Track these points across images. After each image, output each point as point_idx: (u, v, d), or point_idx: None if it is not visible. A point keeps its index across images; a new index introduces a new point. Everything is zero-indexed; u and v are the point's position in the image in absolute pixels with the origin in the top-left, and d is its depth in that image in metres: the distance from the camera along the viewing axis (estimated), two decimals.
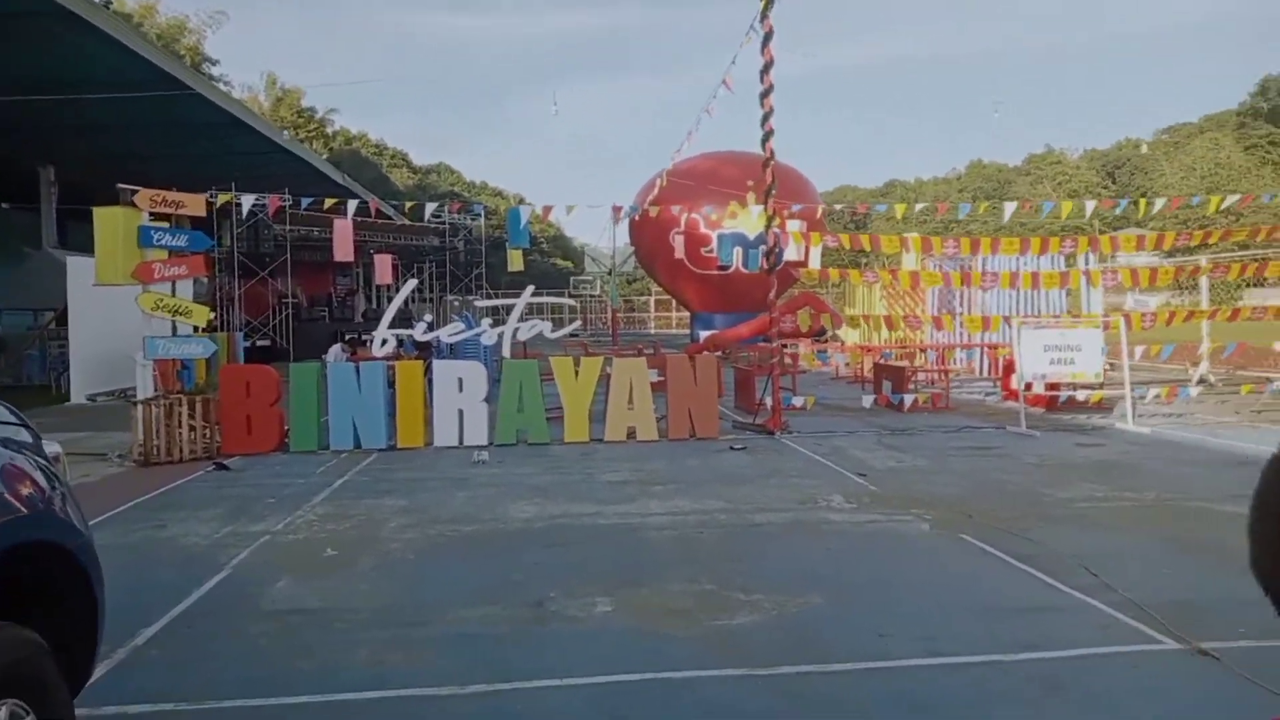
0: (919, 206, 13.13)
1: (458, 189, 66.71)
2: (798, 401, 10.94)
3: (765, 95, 10.33)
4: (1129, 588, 4.59)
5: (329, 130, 61.34)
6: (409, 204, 15.14)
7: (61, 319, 17.88)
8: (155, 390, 9.88)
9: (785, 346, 11.95)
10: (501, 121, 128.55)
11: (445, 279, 40.26)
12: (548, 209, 11.46)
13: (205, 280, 31.06)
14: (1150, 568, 5.07)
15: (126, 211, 9.18)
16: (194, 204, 9.56)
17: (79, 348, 16.51)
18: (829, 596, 4.59)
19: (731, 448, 9.64)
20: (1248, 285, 14.71)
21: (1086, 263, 17.53)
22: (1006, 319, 11.49)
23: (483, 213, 42.54)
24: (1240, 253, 12.98)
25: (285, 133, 25.86)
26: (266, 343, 30.04)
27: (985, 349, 17.06)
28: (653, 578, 4.96)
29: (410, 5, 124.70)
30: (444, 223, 38.73)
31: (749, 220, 29.42)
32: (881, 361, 14.30)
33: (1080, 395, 11.18)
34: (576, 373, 10.30)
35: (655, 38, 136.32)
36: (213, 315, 25.67)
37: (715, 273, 30.24)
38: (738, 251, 30.48)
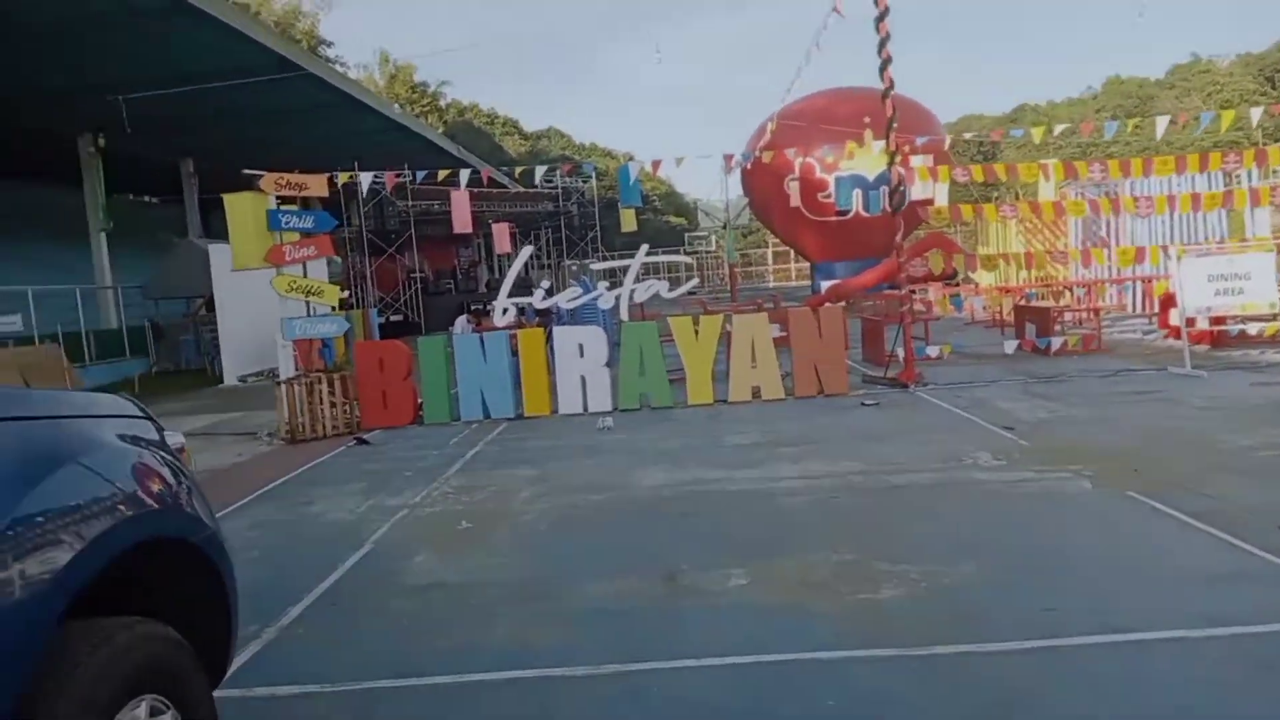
0: (1058, 129, 12.03)
1: (568, 152, 67.08)
2: (932, 351, 10.37)
3: (880, 19, 9.67)
4: None
5: (442, 104, 62.68)
6: (518, 169, 15.05)
7: (210, 305, 19.05)
8: (296, 369, 10.35)
9: (914, 292, 11.32)
10: (603, 83, 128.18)
11: (562, 244, 40.69)
12: (656, 163, 11.20)
13: (339, 260, 32.63)
14: None
15: (254, 197, 9.54)
16: (317, 185, 9.85)
17: (227, 332, 17.59)
18: (984, 566, 4.25)
19: (863, 404, 9.24)
20: None
21: (1249, 180, 15.85)
22: (1164, 248, 10.45)
23: (593, 174, 42.64)
24: None
25: (395, 106, 26.44)
26: (399, 317, 31.30)
27: (1139, 282, 15.75)
28: (789, 547, 4.75)
29: None
30: (556, 187, 39.01)
31: (868, 160, 28.19)
32: (1023, 303, 13.38)
33: (1252, 329, 10.10)
34: (696, 332, 10.09)
35: None
36: (346, 293, 26.93)
37: (834, 219, 29.18)
38: (857, 194, 29.25)
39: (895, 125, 9.85)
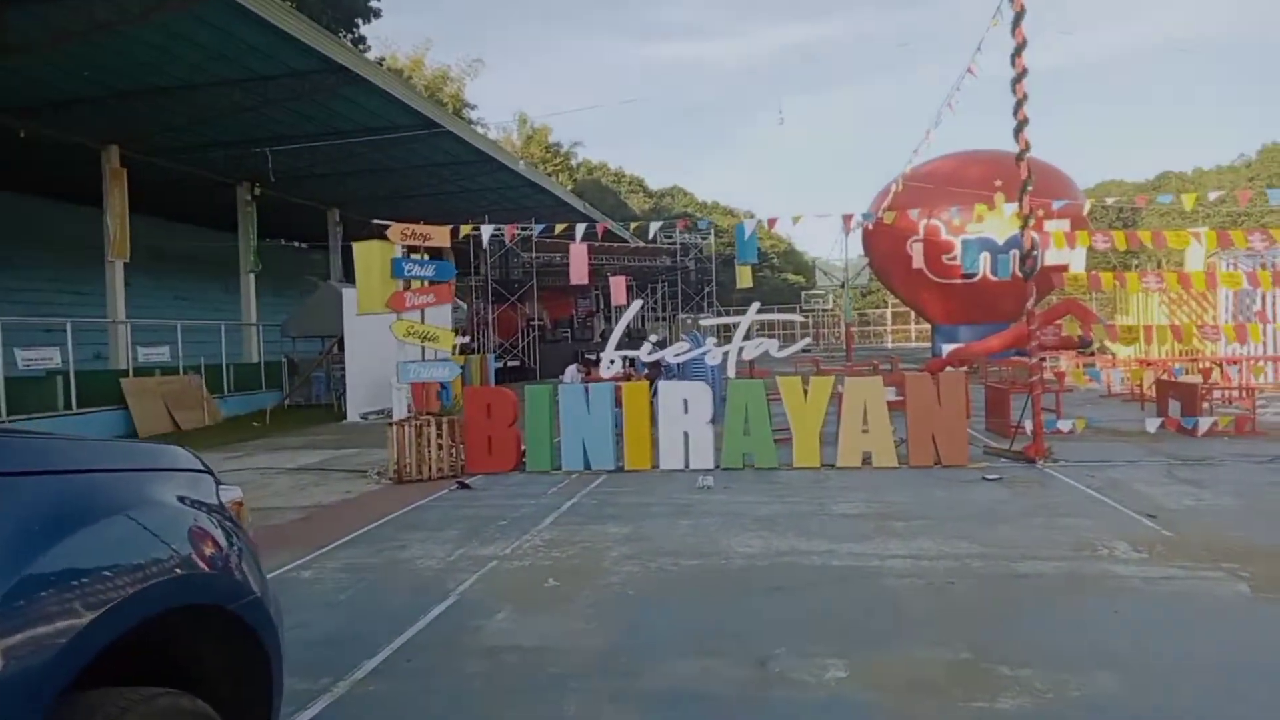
0: (1213, 194, 11.12)
1: (690, 210, 67.85)
2: (1064, 425, 9.60)
3: (1017, 81, 9.22)
4: None
5: (573, 163, 64.98)
6: (633, 224, 15.17)
7: (341, 345, 19.96)
8: (409, 411, 10.57)
9: (1045, 361, 10.58)
10: (730, 143, 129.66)
11: (677, 298, 40.89)
12: (773, 220, 11.04)
13: (465, 306, 33.87)
14: None
15: (382, 245, 9.90)
16: (440, 235, 10.13)
17: (353, 371, 18.34)
18: (1122, 678, 3.73)
19: (984, 478, 8.61)
20: None
21: None
22: None
23: (711, 231, 42.84)
24: None
25: (521, 163, 27.36)
26: (516, 363, 32.13)
27: None
28: (894, 638, 4.33)
29: (643, 38, 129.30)
30: (675, 243, 39.40)
31: (998, 223, 27.15)
32: (1167, 378, 12.32)
33: None
34: (805, 393, 9.72)
35: (873, 44, 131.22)
36: (466, 339, 27.77)
37: (959, 281, 28.15)
38: (984, 257, 28.22)
39: (1030, 188, 9.32)
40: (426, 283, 10.11)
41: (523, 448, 10.24)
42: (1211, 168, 67.96)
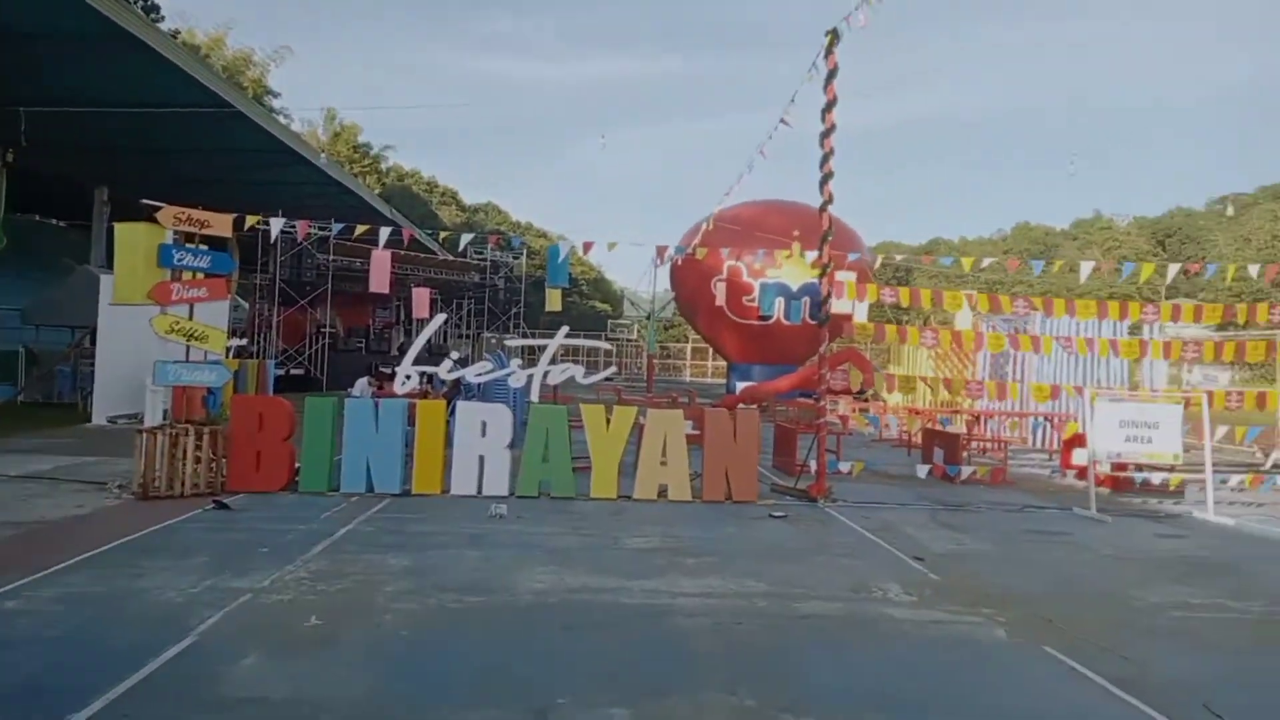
0: (986, 261, 12.25)
1: (503, 228, 67.12)
2: (844, 467, 10.10)
3: (826, 135, 9.70)
4: None
5: (383, 166, 62.44)
6: (443, 235, 14.55)
7: (95, 337, 17.68)
8: (166, 417, 9.39)
9: (831, 405, 11.12)
10: (549, 165, 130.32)
11: (484, 316, 40.11)
12: (588, 245, 10.88)
13: (245, 306, 31.28)
14: None
15: (149, 228, 8.78)
16: (220, 224, 9.12)
17: (105, 367, 16.22)
18: None
19: (771, 515, 8.83)
20: None
21: (1152, 331, 16.55)
22: (1079, 389, 10.56)
23: (524, 251, 42.50)
24: None
25: (323, 156, 25.76)
26: (301, 371, 30.00)
27: (1043, 419, 16.08)
28: (682, 683, 4.18)
29: (467, 49, 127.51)
30: (485, 259, 38.69)
31: (793, 270, 28.82)
32: (933, 427, 13.38)
33: (1156, 479, 10.18)
34: (608, 422, 9.60)
35: (698, 87, 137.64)
36: (244, 341, 25.58)
37: (756, 323, 29.54)
38: (779, 302, 29.82)
39: (830, 238, 9.79)
40: (199, 275, 9.06)
41: (297, 465, 9.37)
42: (974, 238, 76.37)
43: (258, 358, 25.04)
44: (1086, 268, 10.56)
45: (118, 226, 8.86)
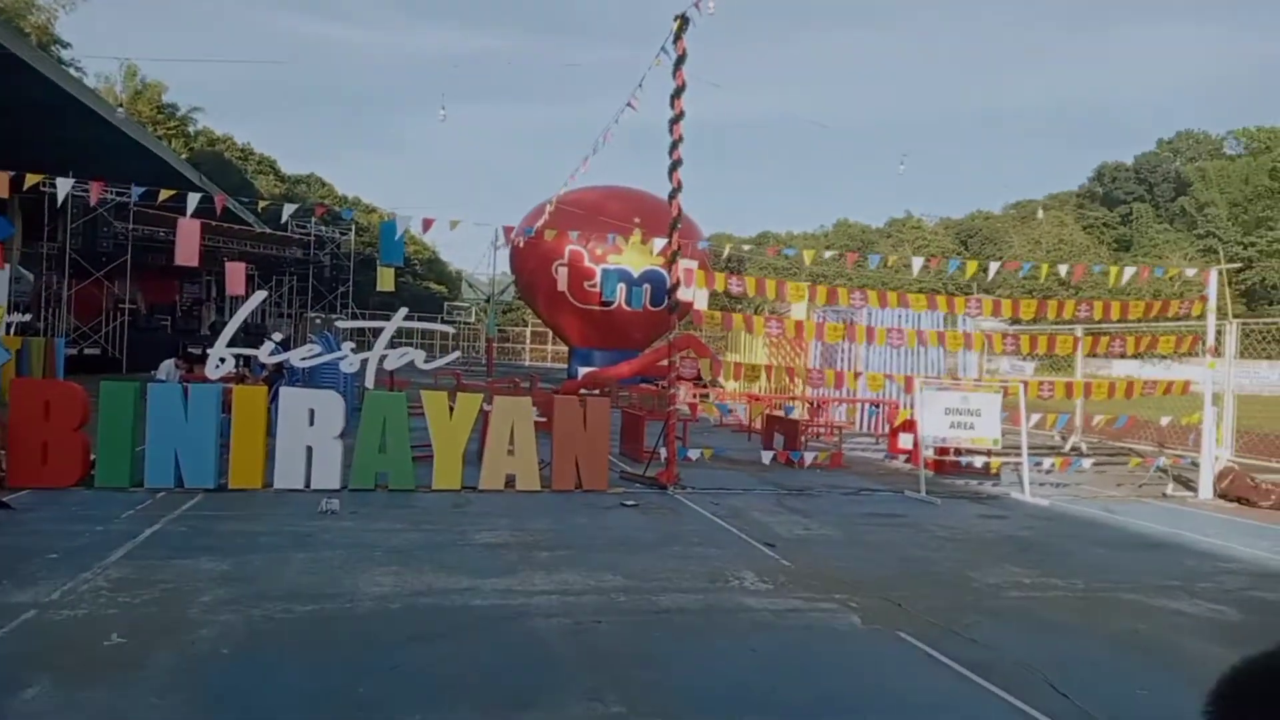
0: (828, 253, 12.61)
1: (329, 201, 63.54)
2: (693, 454, 10.10)
3: (675, 121, 9.59)
4: (1109, 711, 3.90)
5: (191, 130, 57.52)
6: (262, 203, 13.39)
7: None
8: None
9: (678, 391, 11.11)
10: (379, 139, 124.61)
11: (307, 294, 37.71)
12: (428, 221, 10.24)
13: (29, 276, 27.78)
14: (1120, 681, 4.42)
15: None
16: None
17: None
18: None
19: (622, 504, 8.66)
20: (1119, 357, 15.10)
21: (963, 324, 17.79)
22: (907, 378, 11.09)
23: (352, 222, 40.28)
24: (1120, 324, 13.23)
25: (120, 110, 23.24)
26: (97, 351, 27.07)
27: (871, 405, 16.90)
28: (545, 693, 3.88)
29: (286, 9, 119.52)
30: (309, 234, 36.35)
31: (633, 256, 28.95)
32: (777, 414, 13.71)
33: (978, 462, 10.86)
34: (451, 410, 9.10)
35: (539, 65, 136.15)
36: (28, 317, 22.70)
37: (597, 308, 29.46)
38: (621, 288, 29.83)
39: (679, 225, 9.71)
40: None
41: (92, 457, 8.27)
42: (800, 232, 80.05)
43: (45, 335, 22.26)
44: (917, 264, 11.10)
45: None
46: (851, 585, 5.98)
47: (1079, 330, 14.67)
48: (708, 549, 6.91)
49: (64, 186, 8.51)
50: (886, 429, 15.86)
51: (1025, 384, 10.75)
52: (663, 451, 9.79)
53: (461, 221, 10.28)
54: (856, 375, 10.76)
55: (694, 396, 25.22)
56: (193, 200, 9.36)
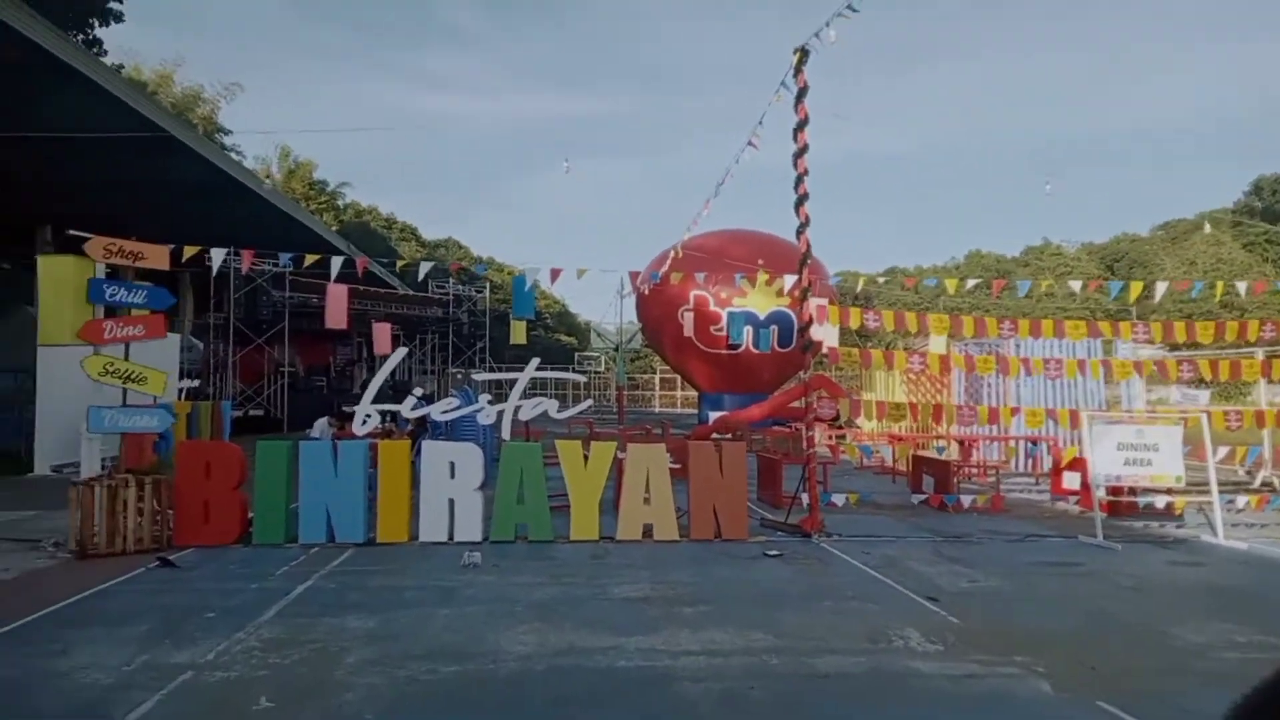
0: (971, 282, 11.91)
1: (465, 263, 66.48)
2: (838, 499, 9.57)
3: (799, 155, 9.30)
4: None
5: (340, 204, 61.59)
6: (400, 263, 13.92)
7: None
8: (103, 467, 8.61)
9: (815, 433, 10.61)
10: (508, 200, 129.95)
11: (448, 351, 39.27)
12: (556, 271, 10.30)
13: (199, 346, 30.18)
14: None
15: (77, 262, 8.06)
16: (155, 255, 8.42)
17: (45, 413, 15.26)
18: None
19: (765, 553, 8.25)
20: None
21: (1119, 352, 16.38)
22: (1072, 412, 10.19)
23: (487, 284, 41.83)
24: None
25: (267, 183, 24.96)
26: (260, 412, 29.02)
27: (1029, 442, 15.75)
28: None
29: (417, 86, 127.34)
30: (447, 293, 37.96)
31: (759, 298, 28.57)
32: (922, 454, 12.92)
33: (1159, 502, 9.79)
34: (586, 458, 8.99)
35: (653, 123, 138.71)
36: (197, 382, 24.46)
37: (724, 352, 29.13)
38: (748, 330, 29.43)
39: (809, 260, 9.36)
40: (133, 312, 8.34)
41: (250, 515, 8.61)
42: (929, 265, 77.27)
43: (213, 399, 23.99)
44: (1075, 286, 10.25)
45: (42, 260, 8.16)
46: (1033, 644, 5.36)
47: (1260, 353, 13.21)
48: (864, 604, 6.41)
49: (218, 255, 9.07)
50: (1047, 468, 14.71)
51: (1208, 414, 9.65)
52: (805, 497, 9.32)
53: (588, 270, 10.29)
54: (1013, 411, 9.94)
55: (831, 438, 24.45)
56: (336, 264, 9.77)
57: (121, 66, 37.82)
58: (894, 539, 9.24)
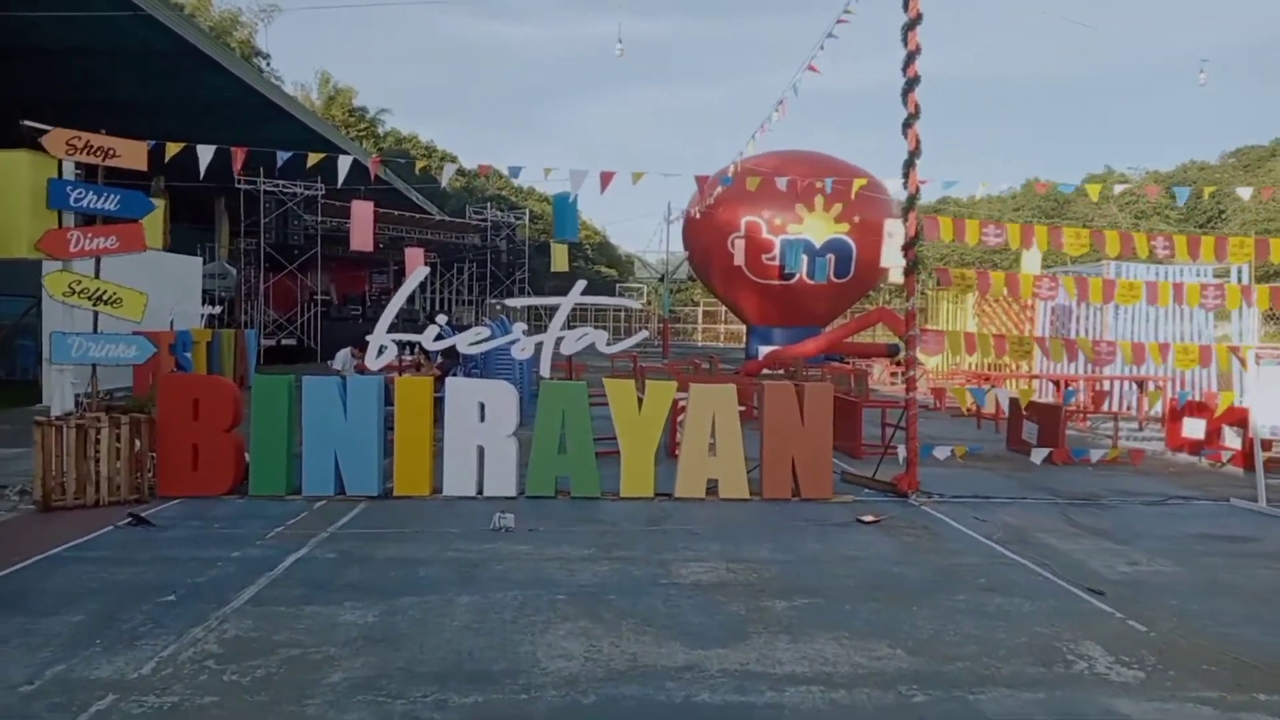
0: (1118, 188, 10.07)
1: (505, 193, 64.75)
2: (941, 453, 8.01)
3: (911, 28, 7.52)
4: None
5: (380, 131, 60.17)
6: (419, 164, 12.47)
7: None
8: (78, 404, 7.38)
9: (903, 373, 9.03)
10: (548, 129, 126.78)
11: (485, 280, 37.96)
12: (607, 177, 8.69)
13: (233, 272, 29.23)
14: None
15: (34, 158, 6.66)
16: (130, 154, 6.97)
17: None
18: None
19: (858, 519, 6.78)
20: None
21: (1240, 277, 14.41)
22: (1232, 349, 8.46)
23: (526, 211, 40.26)
24: None
25: (281, 81, 23.54)
26: (293, 342, 28.14)
27: (1135, 384, 13.97)
28: None
29: (459, 11, 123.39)
30: (486, 221, 36.48)
31: (816, 225, 26.61)
32: (1037, 400, 11.18)
33: None
34: (640, 401, 7.54)
35: (702, 48, 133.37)
36: (218, 308, 23.37)
37: (776, 282, 27.29)
38: (804, 259, 27.47)
39: (917, 161, 7.63)
40: (106, 220, 6.96)
41: (247, 462, 7.36)
42: (981, 197, 73.55)
43: (235, 326, 23.01)
44: (1245, 193, 8.40)
45: None
46: (1267, 671, 3.84)
47: None
48: (1009, 598, 4.92)
49: (205, 154, 7.62)
50: (1156, 412, 12.96)
51: None
52: (901, 450, 7.79)
53: (645, 173, 8.67)
54: (1163, 348, 8.20)
55: (889, 374, 22.72)
56: (344, 165, 8.29)
57: None
58: (1006, 501, 7.71)
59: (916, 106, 7.56)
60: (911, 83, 7.57)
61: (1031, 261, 15.74)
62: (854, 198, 23.84)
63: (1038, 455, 8.12)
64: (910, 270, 7.68)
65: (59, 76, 17.30)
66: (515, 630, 4.23)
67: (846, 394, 11.47)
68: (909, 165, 7.65)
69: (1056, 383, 13.55)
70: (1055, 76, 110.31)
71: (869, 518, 6.78)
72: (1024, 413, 10.48)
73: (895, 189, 7.72)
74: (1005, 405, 10.52)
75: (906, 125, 7.60)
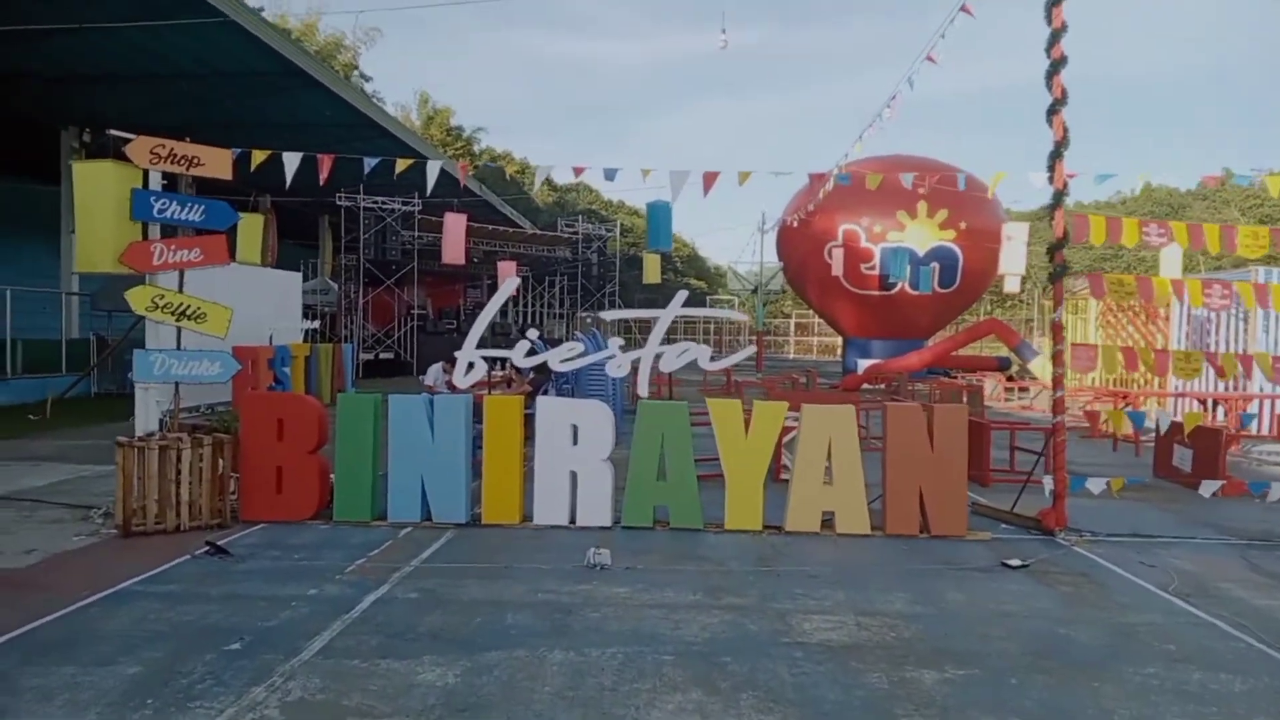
0: None
1: (595, 207, 64.99)
2: (1095, 485, 7.00)
3: (1054, 71, 6.61)
4: None
5: (475, 149, 61.40)
6: (509, 169, 12.05)
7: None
8: (161, 424, 7.16)
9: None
10: (635, 144, 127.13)
11: (576, 294, 37.83)
12: (710, 177, 8.03)
13: (335, 287, 29.85)
14: None
15: (118, 168, 6.45)
16: (215, 162, 6.71)
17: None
18: None
19: (1004, 563, 5.89)
20: None
21: None
22: None
23: (617, 224, 40.02)
24: None
25: (383, 101, 23.89)
26: (390, 355, 28.55)
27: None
28: None
29: (548, 30, 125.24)
30: (577, 234, 36.39)
31: (918, 233, 25.33)
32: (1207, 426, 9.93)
33: None
34: (747, 424, 6.83)
35: (793, 57, 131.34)
36: (316, 323, 23.72)
37: (876, 293, 26.06)
38: (908, 269, 26.14)
39: (1064, 151, 6.71)
40: (192, 232, 6.72)
41: (333, 482, 6.98)
42: (1090, 202, 69.55)
43: (336, 341, 23.31)
44: None
45: (76, 167, 6.57)
46: None
47: None
48: (1211, 673, 4.01)
49: (291, 163, 7.33)
50: None
51: None
52: (1046, 481, 6.84)
53: (752, 172, 7.97)
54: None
55: (1004, 389, 21.27)
56: (433, 170, 7.89)
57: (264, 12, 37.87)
58: (1171, 540, 6.67)
59: (1063, 91, 6.65)
60: (1057, 64, 6.67)
61: (1171, 266, 14.33)
62: (978, 197, 22.60)
63: (1207, 488, 7.02)
64: (1058, 275, 6.74)
65: (166, 97, 17.85)
66: (616, 701, 3.59)
67: (971, 414, 10.44)
68: (1055, 156, 6.73)
69: (1202, 401, 12.14)
70: (1188, 66, 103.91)
71: (1015, 561, 5.88)
72: (1179, 437, 9.29)
73: (1040, 183, 6.76)
74: (1163, 427, 9.31)
75: (1051, 112, 6.69)
